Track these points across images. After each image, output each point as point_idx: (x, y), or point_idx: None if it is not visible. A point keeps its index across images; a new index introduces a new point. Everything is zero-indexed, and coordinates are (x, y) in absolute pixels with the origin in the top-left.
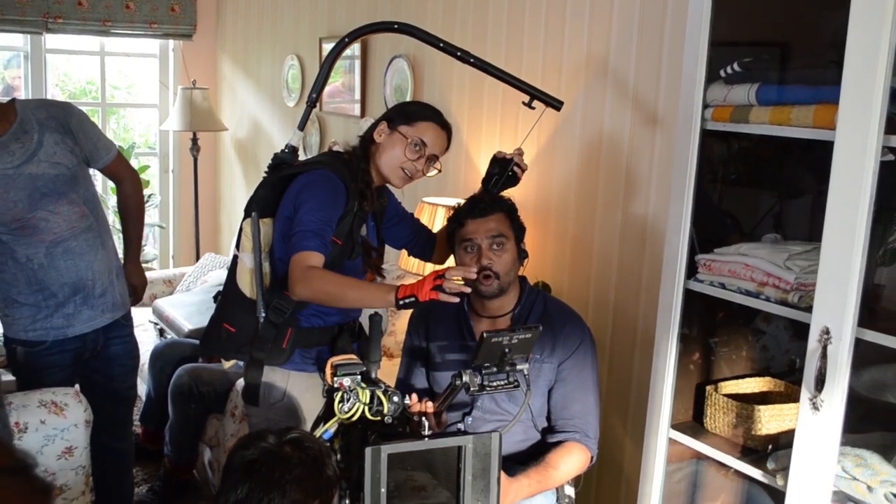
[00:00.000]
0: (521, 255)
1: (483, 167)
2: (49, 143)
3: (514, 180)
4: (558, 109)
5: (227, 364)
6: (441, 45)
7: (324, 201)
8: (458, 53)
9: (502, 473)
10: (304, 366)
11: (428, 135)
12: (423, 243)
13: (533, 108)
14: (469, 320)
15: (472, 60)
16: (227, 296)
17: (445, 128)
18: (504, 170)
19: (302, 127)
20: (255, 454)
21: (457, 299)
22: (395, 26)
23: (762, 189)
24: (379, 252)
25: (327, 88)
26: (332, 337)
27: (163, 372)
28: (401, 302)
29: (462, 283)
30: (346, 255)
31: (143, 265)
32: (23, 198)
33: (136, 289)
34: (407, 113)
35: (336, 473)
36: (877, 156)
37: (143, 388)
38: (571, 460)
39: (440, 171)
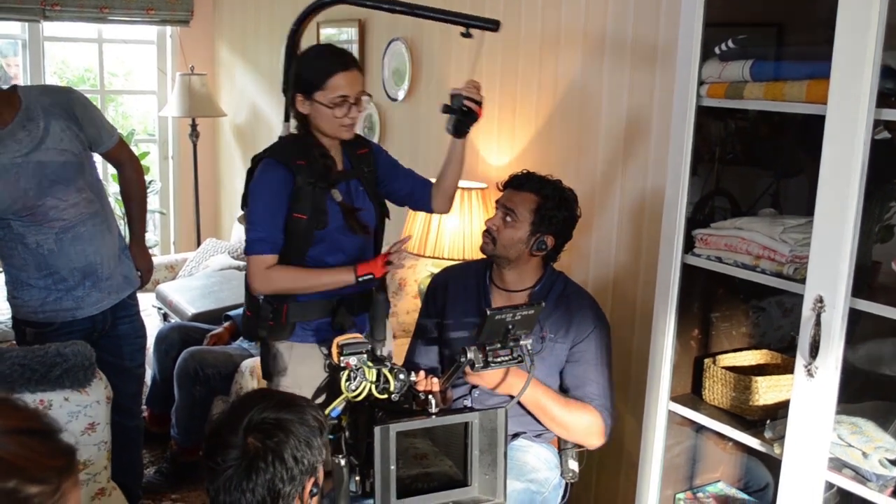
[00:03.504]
0: (538, 244)
1: (482, 148)
2: (55, 130)
3: (471, 116)
4: (495, 30)
5: None
6: (368, 2)
7: (265, 196)
8: (385, 6)
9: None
10: (305, 337)
11: (342, 86)
12: (420, 192)
13: (471, 37)
14: (489, 293)
15: (398, 9)
16: (244, 284)
17: (351, 66)
18: (459, 107)
19: (287, 118)
20: (228, 473)
21: (403, 265)
22: None
23: (760, 167)
24: (380, 213)
25: None
26: (330, 310)
27: (167, 355)
28: (360, 279)
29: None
30: (316, 227)
31: None
32: (33, 185)
33: (144, 272)
34: (313, 79)
35: (320, 431)
36: (868, 128)
37: (148, 371)
38: (585, 415)
39: (371, 97)
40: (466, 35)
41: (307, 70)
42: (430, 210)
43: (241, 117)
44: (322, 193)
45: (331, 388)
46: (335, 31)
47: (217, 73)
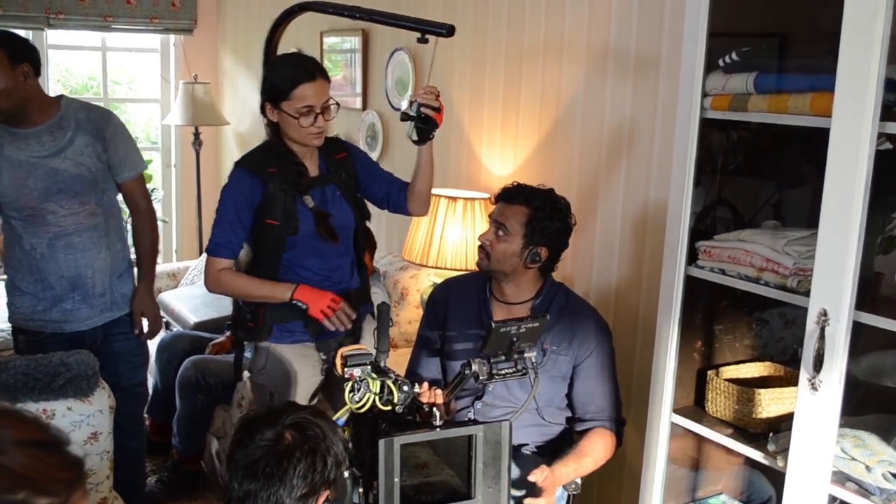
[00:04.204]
0: (532, 257)
1: (484, 159)
2: (79, 143)
3: (431, 122)
4: (447, 36)
5: None
6: (330, 10)
7: (229, 204)
8: (346, 13)
9: (544, 466)
10: (282, 339)
11: (308, 97)
12: (397, 195)
13: (427, 42)
14: (490, 306)
15: (357, 16)
16: None
17: (317, 76)
18: (417, 114)
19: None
20: (257, 453)
21: (336, 328)
22: (297, 8)
23: (762, 178)
24: (360, 216)
25: None
26: (303, 312)
27: (169, 364)
28: (293, 301)
29: (347, 320)
30: (287, 232)
31: None
32: (39, 188)
33: (149, 318)
34: (278, 89)
35: (344, 447)
36: (872, 141)
37: (150, 380)
38: (602, 446)
39: (339, 105)
40: (422, 41)
41: (273, 79)
42: (407, 213)
43: (244, 126)
44: (293, 200)
45: (328, 391)
46: (338, 40)
47: (220, 81)
